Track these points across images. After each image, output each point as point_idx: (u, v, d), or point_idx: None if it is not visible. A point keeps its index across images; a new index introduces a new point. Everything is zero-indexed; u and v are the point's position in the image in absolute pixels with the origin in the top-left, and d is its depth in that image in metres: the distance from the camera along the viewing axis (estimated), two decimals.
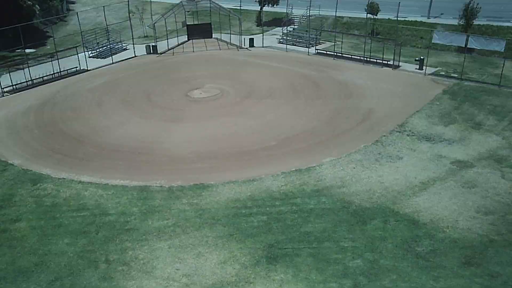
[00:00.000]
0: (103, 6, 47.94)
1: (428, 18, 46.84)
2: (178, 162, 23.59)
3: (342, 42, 41.83)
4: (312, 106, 30.58)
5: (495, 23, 42.67)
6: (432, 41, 36.60)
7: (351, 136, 26.06)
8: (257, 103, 31.60)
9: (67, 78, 38.12)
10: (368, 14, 43.90)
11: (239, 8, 51.02)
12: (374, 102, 30.81)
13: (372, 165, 22.52)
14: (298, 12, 51.24)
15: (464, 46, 34.32)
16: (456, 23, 41.31)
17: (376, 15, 44.63)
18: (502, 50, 33.12)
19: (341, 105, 30.57)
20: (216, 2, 48.00)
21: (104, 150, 25.16)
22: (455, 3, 54.65)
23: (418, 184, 20.55)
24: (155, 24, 45.20)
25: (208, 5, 46.75)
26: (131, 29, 45.44)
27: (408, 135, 26.04)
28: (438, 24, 45.06)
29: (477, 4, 39.07)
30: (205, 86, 35.21)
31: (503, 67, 33.28)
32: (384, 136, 25.87)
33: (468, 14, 39.23)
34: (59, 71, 38.31)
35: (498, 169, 21.92)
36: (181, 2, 47.59)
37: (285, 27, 46.95)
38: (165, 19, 45.23)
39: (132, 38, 45.13)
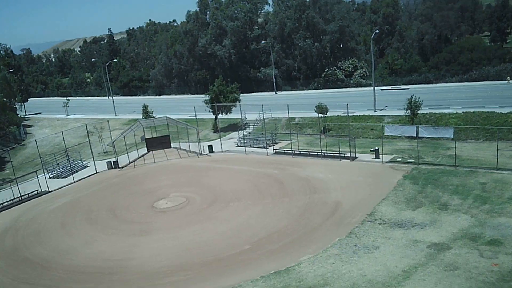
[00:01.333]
0: (61, 131, 48.10)
1: (375, 111, 50.27)
2: (151, 277, 22.25)
3: (297, 140, 43.57)
4: (280, 205, 30.58)
5: (437, 111, 46.37)
6: (384, 134, 38.80)
7: (323, 231, 25.90)
8: (224, 207, 31.28)
9: (28, 202, 36.86)
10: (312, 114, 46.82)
11: (194, 118, 52.91)
12: (340, 195, 31.29)
13: (350, 258, 22.16)
14: (251, 116, 53.62)
15: (415, 135, 36.57)
16: (402, 114, 44.50)
17: (325, 114, 47.42)
18: (452, 137, 35.49)
19: (308, 201, 30.77)
20: (171, 116, 49.67)
21: (72, 274, 23.50)
22: (394, 95, 60.11)
23: (400, 273, 20.24)
24: (114, 140, 45.57)
25: (165, 121, 48.11)
26: (91, 148, 45.38)
27: (379, 223, 26.21)
28: (385, 115, 48.35)
29: (419, 97, 42.73)
30: (170, 195, 34.76)
31: (455, 149, 35.27)
32: (356, 227, 25.89)
33: (413, 106, 42.60)
34: (19, 195, 37.02)
35: (475, 248, 22.11)
36: (138, 121, 48.77)
37: (241, 131, 48.70)
38: (124, 136, 45.77)
39: (92, 156, 44.91)
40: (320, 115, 47.34)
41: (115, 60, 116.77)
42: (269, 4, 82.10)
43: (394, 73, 71.81)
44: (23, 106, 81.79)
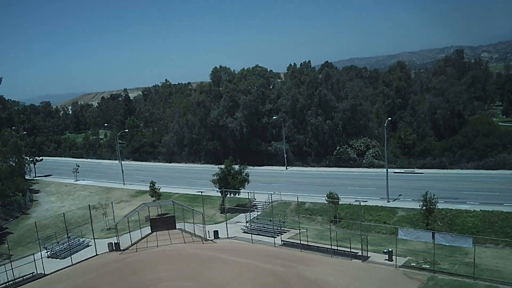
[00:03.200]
0: (63, 213, 46.95)
1: (388, 201, 48.57)
2: None
3: (306, 230, 41.79)
4: None
5: (453, 207, 44.35)
6: (398, 237, 36.85)
7: None
8: None
9: (22, 286, 35.13)
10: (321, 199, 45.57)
11: (201, 193, 51.85)
12: None
13: None
14: (260, 197, 52.32)
15: (431, 241, 34.70)
16: (416, 207, 42.82)
17: (336, 203, 45.98)
18: (471, 247, 33.51)
19: None
20: (179, 189, 48.66)
21: None
22: (408, 180, 58.52)
23: None
24: (117, 222, 44.38)
25: (171, 203, 47.09)
26: (92, 227, 44.01)
27: None
28: (399, 208, 46.54)
29: (434, 195, 41.19)
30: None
31: (474, 259, 33.12)
32: None
33: (428, 203, 41.00)
34: (13, 278, 35.52)
35: None
36: (144, 204, 47.75)
37: (249, 214, 47.28)
38: (127, 218, 44.62)
39: (93, 235, 43.53)
40: (331, 203, 45.85)
41: (129, 118, 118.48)
42: (281, 79, 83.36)
43: (407, 153, 70.69)
44: (33, 167, 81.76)
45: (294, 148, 76.64)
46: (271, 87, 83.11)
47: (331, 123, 73.33)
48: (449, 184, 54.43)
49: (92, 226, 44.19)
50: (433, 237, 34.45)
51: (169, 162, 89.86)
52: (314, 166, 73.03)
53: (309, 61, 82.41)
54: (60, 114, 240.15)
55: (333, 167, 70.88)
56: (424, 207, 41.31)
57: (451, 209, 44.35)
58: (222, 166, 52.57)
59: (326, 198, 45.74)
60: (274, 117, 74.73)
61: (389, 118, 58.47)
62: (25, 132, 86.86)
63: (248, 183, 52.25)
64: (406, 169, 64.48)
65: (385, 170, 50.21)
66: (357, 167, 68.88)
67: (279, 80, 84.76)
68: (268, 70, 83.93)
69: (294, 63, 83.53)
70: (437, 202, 41.24)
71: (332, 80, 76.75)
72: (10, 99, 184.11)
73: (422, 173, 62.41)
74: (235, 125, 78.64)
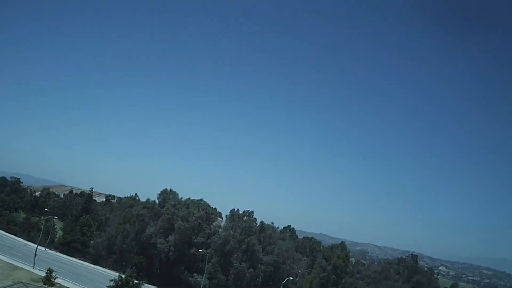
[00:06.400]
0: None
1: None
2: None
3: None
4: None
5: None
6: None
7: None
8: None
9: None
10: None
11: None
12: None
13: None
14: None
15: None
16: None
17: None
18: None
19: None
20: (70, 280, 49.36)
21: None
22: None
23: None
24: None
25: None
26: None
27: None
28: None
29: None
30: None
31: None
32: None
33: None
34: None
35: None
36: (21, 282, 47.52)
37: None
38: None
39: None
40: None
41: (84, 216, 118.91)
42: (222, 219, 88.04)
43: None
44: None
45: (214, 286, 77.49)
46: (210, 223, 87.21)
47: (253, 272, 75.73)
48: None
49: None
50: None
51: (94, 264, 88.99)
52: None
53: (252, 211, 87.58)
54: (25, 194, 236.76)
55: None
56: None
57: None
58: (123, 276, 54.20)
59: None
60: (200, 250, 77.34)
61: None
62: None
63: None
64: None
65: None
66: None
67: (219, 219, 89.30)
68: (212, 207, 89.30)
69: (238, 209, 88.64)
70: None
71: (265, 234, 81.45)
72: None
73: None
74: (165, 247, 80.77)
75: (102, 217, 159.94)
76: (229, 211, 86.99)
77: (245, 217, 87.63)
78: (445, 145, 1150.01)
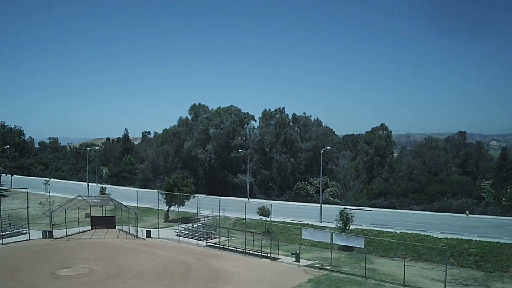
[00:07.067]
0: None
1: (320, 222, 50.65)
2: None
3: (236, 238, 43.66)
4: (173, 286, 30.29)
5: (378, 229, 46.36)
6: (302, 237, 39.00)
7: None
8: (120, 283, 31.09)
9: None
10: (261, 216, 47.98)
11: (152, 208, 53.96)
12: (236, 287, 30.83)
13: None
14: (205, 212, 54.48)
15: (330, 242, 36.79)
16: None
17: (267, 217, 48.21)
18: (362, 247, 35.51)
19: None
20: (131, 203, 51.13)
21: None
22: None
23: None
24: (55, 212, 46.71)
25: (108, 200, 49.53)
26: (28, 215, 46.46)
27: None
28: (327, 227, 48.45)
29: (350, 210, 43.80)
30: (77, 266, 34.75)
31: (365, 260, 34.91)
32: None
33: (344, 219, 43.40)
34: None
35: None
36: (79, 195, 49.46)
37: (188, 224, 49.38)
38: (65, 210, 47.05)
39: (28, 223, 45.81)
40: (262, 217, 48.20)
41: (126, 156, 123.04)
42: (255, 120, 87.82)
43: (368, 197, 72.86)
44: (10, 180, 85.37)
45: (259, 182, 79.25)
46: (244, 126, 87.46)
47: (294, 162, 76.42)
48: (387, 217, 56.35)
49: (28, 215, 46.62)
50: (331, 237, 36.50)
51: (144, 188, 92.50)
52: (275, 200, 75.11)
53: (283, 108, 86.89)
54: (67, 151, 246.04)
55: (292, 201, 72.96)
56: (342, 222, 43.42)
57: (373, 229, 46.29)
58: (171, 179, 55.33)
59: (257, 211, 48.06)
60: (240, 151, 78.18)
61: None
62: (7, 147, 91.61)
63: (193, 196, 54.56)
64: (357, 207, 66.38)
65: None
66: (314, 202, 70.85)
67: (252, 121, 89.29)
68: (243, 111, 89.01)
69: (269, 109, 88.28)
70: (353, 217, 43.49)
71: (299, 123, 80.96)
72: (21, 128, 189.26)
73: (371, 210, 64.27)
74: (205, 156, 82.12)
75: (142, 153, 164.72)
76: (261, 113, 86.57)
77: (277, 115, 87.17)
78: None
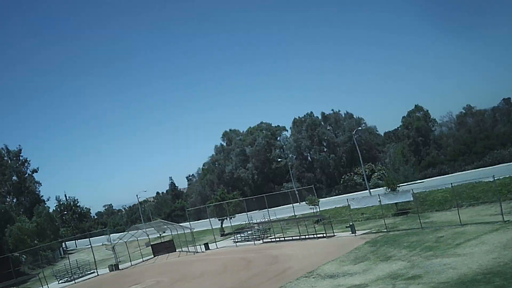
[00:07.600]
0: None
1: None
2: None
3: (290, 230, 44.21)
4: (235, 275, 31.24)
5: (428, 189, 45.61)
6: (351, 208, 39.03)
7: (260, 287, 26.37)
8: (185, 283, 32.52)
9: None
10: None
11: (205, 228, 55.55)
12: (296, 263, 31.39)
13: None
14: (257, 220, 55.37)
15: (379, 204, 36.75)
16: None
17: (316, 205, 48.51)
18: (411, 199, 35.26)
19: (263, 270, 31.20)
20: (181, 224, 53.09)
21: None
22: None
23: None
24: (118, 249, 49.13)
25: (163, 225, 51.54)
26: (93, 255, 49.18)
27: (313, 277, 26.05)
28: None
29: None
30: (146, 281, 36.42)
31: (418, 213, 34.56)
32: (289, 282, 25.92)
33: (389, 183, 43.46)
34: None
35: (390, 284, 21.55)
36: (134, 225, 51.90)
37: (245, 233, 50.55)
38: (125, 242, 49.39)
39: (95, 262, 48.42)
40: (311, 206, 48.62)
41: (177, 201, 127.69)
42: (287, 130, 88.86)
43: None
44: (75, 243, 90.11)
45: (304, 185, 79.41)
46: (277, 138, 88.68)
47: (335, 157, 76.40)
48: (438, 182, 54.97)
49: (93, 255, 49.49)
50: (380, 200, 36.57)
51: (198, 220, 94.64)
52: (325, 197, 74.91)
53: (312, 112, 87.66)
54: (121, 214, 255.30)
55: (341, 194, 72.50)
56: (388, 188, 43.21)
57: (425, 191, 45.47)
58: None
59: (306, 201, 48.60)
60: (279, 160, 79.15)
61: None
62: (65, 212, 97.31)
63: (241, 209, 55.81)
64: (408, 183, 65.14)
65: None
66: (363, 190, 70.13)
67: (284, 132, 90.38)
68: (273, 125, 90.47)
69: (299, 116, 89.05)
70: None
71: (330, 120, 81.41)
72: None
73: (422, 181, 62.87)
74: (248, 174, 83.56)
75: (192, 196, 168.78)
76: (291, 123, 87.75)
77: (307, 119, 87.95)
78: None
